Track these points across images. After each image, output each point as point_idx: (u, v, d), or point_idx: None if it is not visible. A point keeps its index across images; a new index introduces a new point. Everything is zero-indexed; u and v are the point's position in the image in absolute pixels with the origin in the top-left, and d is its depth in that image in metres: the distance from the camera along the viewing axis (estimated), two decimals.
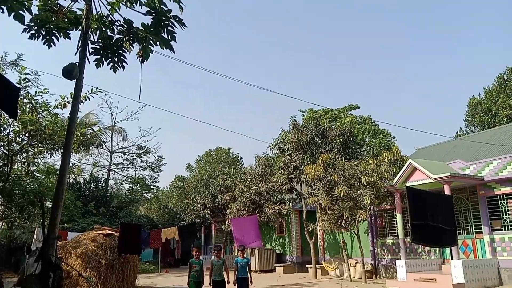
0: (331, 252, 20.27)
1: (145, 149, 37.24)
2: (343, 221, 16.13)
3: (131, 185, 38.63)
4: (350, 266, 17.07)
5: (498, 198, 13.74)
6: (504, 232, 13.44)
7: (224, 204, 23.85)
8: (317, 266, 18.49)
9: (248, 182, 22.23)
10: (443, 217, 7.08)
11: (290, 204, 21.25)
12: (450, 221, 7.22)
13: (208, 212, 25.20)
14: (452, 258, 13.01)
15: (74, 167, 15.62)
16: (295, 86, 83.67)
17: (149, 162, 38.40)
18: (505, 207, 13.54)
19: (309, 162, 18.25)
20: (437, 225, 6.93)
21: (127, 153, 37.67)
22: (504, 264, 13.24)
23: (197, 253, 9.94)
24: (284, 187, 19.57)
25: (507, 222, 13.45)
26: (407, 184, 11.99)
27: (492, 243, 13.66)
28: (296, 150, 19.04)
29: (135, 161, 38.10)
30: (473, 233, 14.44)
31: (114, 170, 38.01)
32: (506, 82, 27.86)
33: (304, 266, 20.69)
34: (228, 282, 9.61)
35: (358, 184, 15.62)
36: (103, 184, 34.15)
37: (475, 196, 14.42)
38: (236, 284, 9.82)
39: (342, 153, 18.89)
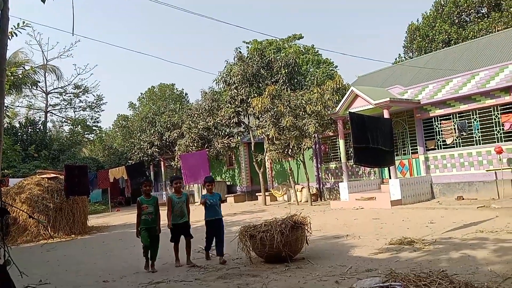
0: (279, 179, 21.10)
1: (82, 88, 35.46)
2: (290, 150, 16.68)
3: (72, 127, 37.10)
4: (297, 191, 17.95)
5: (433, 120, 14.67)
6: (437, 151, 14.54)
7: (172, 141, 23.69)
8: (266, 193, 19.27)
9: (195, 117, 22.05)
10: (383, 139, 7.50)
11: (239, 137, 21.50)
12: (389, 143, 7.66)
13: (156, 150, 24.98)
14: (390, 178, 14.02)
15: (7, 110, 14.63)
16: (238, 16, 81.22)
17: (89, 102, 36.83)
18: (438, 128, 14.53)
19: (255, 95, 18.29)
20: (378, 147, 7.35)
21: (64, 93, 35.77)
22: (436, 180, 14.48)
23: (147, 188, 7.05)
24: (232, 121, 19.64)
25: (440, 142, 14.52)
26: (350, 111, 12.43)
27: (426, 162, 14.79)
28: (242, 83, 18.92)
29: (73, 101, 36.38)
30: (409, 154, 15.51)
31: (51, 112, 36.17)
32: (443, 7, 28.58)
33: (254, 194, 21.49)
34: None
35: (303, 113, 15.99)
36: (41, 127, 32.50)
37: (412, 119, 15.30)
38: (207, 229, 7.15)
39: (287, 84, 19.05)
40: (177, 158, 20.95)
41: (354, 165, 16.99)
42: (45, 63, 33.40)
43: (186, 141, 21.19)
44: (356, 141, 7.24)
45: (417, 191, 14.05)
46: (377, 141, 7.33)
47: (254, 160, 18.72)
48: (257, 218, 12.79)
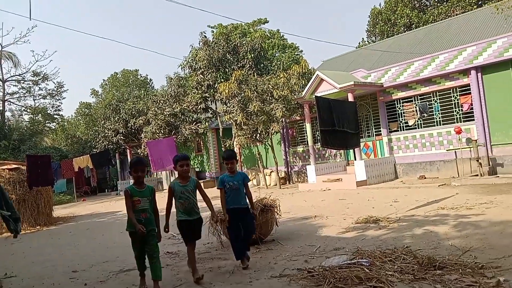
0: (247, 164, 21.20)
1: (42, 75, 34.10)
2: (258, 135, 16.76)
3: (32, 116, 35.75)
4: (266, 175, 18.12)
5: (395, 102, 15.07)
6: (399, 133, 14.98)
7: (137, 128, 23.27)
8: None
9: (161, 104, 21.71)
10: (348, 122, 7.67)
11: (206, 123, 21.38)
12: (354, 125, 7.85)
13: (121, 137, 24.48)
14: (355, 159, 14.36)
15: None
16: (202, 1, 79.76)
17: (49, 90, 35.51)
18: (401, 110, 14.94)
19: (222, 80, 18.18)
20: (343, 130, 7.52)
21: (22, 81, 34.29)
22: (399, 160, 14.95)
23: (138, 174, 4.71)
24: (199, 107, 19.48)
25: (402, 124, 14.95)
26: (315, 95, 12.60)
27: (389, 143, 15.23)
28: (208, 68, 18.74)
29: (32, 89, 34.96)
30: (373, 136, 15.90)
31: (9, 101, 34.65)
32: None
33: None
34: (215, 219, 5.54)
35: (271, 98, 16.05)
36: None
37: (376, 102, 15.65)
38: (229, 219, 5.29)
39: (254, 69, 19.02)
40: (144, 146, 20.64)
41: (321, 148, 17.30)
42: (0, 49, 31.86)
43: (152, 128, 20.87)
44: (323, 124, 7.37)
45: (381, 172, 14.48)
46: (342, 123, 7.49)
47: (222, 145, 18.70)
48: None
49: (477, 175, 11.90)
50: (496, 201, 8.09)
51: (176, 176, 5.13)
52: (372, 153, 15.97)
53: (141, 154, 22.53)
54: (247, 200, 5.45)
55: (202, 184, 18.70)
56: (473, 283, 3.74)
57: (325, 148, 14.50)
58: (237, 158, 5.44)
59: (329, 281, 4.11)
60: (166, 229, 4.84)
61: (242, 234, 5.25)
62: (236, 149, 20.56)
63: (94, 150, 26.15)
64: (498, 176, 11.34)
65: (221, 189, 5.36)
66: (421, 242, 5.60)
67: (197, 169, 24.00)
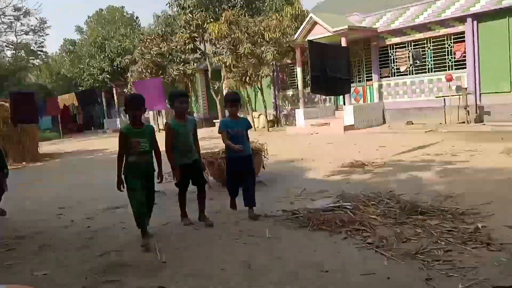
0: None
1: (23, 10, 32.56)
2: (248, 78, 16.49)
3: (14, 52, 34.55)
4: (254, 118, 18.06)
5: (389, 48, 14.81)
6: (391, 79, 14.87)
7: (124, 67, 22.69)
8: None
9: (147, 43, 21.02)
10: (340, 67, 7.52)
11: (195, 64, 20.89)
12: (346, 72, 7.71)
13: (107, 76, 23.94)
14: (344, 104, 14.32)
15: None
16: None
17: (31, 25, 34.08)
18: (393, 56, 14.73)
19: (212, 20, 17.54)
20: (335, 76, 7.38)
21: (3, 16, 32.76)
22: (388, 106, 14.96)
23: (134, 113, 4.13)
24: (187, 47, 18.94)
25: (394, 70, 14.80)
26: (308, 39, 12.29)
27: (379, 89, 15.15)
28: (197, 7, 18.02)
29: (13, 24, 33.49)
30: (364, 81, 15.77)
31: None
32: None
33: (211, 121, 21.38)
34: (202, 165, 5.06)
35: (262, 40, 15.62)
36: None
37: (369, 47, 15.36)
38: (228, 170, 4.90)
39: (245, 9, 18.34)
40: (130, 85, 20.24)
41: (310, 93, 17.17)
42: None
43: (139, 68, 20.36)
44: (314, 70, 7.21)
45: (370, 117, 14.51)
46: (334, 69, 7.34)
47: (211, 88, 18.43)
48: (215, 145, 12.87)
49: (463, 123, 12.01)
50: (480, 148, 8.20)
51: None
52: (361, 98, 15.92)
53: (128, 93, 22.17)
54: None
55: None
56: (453, 228, 3.84)
57: (315, 94, 14.30)
58: (240, 102, 4.84)
59: (313, 223, 4.18)
60: (175, 170, 4.39)
61: (247, 182, 4.76)
62: (225, 92, 20.30)
63: (80, 88, 25.63)
64: (485, 124, 11.46)
65: (223, 132, 4.65)
66: (405, 187, 5.69)
67: None
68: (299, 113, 15.51)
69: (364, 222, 4.14)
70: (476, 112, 12.29)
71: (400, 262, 3.23)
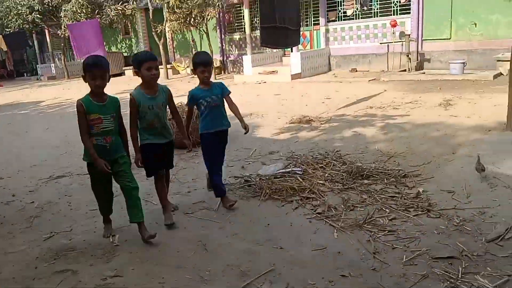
0: (180, 51, 20.27)
1: None
2: (192, 19, 15.77)
3: None
4: None
5: None
6: (337, 23, 14.81)
7: (56, 5, 20.77)
8: (168, 66, 18.57)
9: None
10: (290, 18, 7.34)
11: (134, 3, 19.54)
12: (295, 22, 7.55)
13: (38, 16, 21.83)
14: (292, 51, 14.19)
15: None
16: None
17: None
18: None
19: None
20: (284, 27, 7.22)
21: None
22: (334, 52, 15.03)
23: (95, 83, 3.26)
24: None
25: (341, 13, 14.71)
26: None
27: (326, 34, 15.09)
28: None
29: None
30: (311, 25, 15.60)
31: None
32: None
33: None
34: (189, 148, 3.97)
35: None
36: None
37: None
38: (204, 147, 4.07)
39: None
40: (64, 27, 18.71)
41: (258, 37, 16.78)
42: None
43: (73, 7, 18.75)
44: (264, 21, 6.99)
45: (316, 64, 14.56)
46: (284, 19, 7.16)
47: (153, 30, 17.46)
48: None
49: (405, 70, 12.39)
50: (420, 100, 8.56)
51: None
52: (308, 43, 15.82)
53: (62, 35, 20.55)
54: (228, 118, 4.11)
55: (132, 71, 16.10)
56: (396, 194, 4.07)
57: (265, 47, 13.90)
58: (212, 64, 3.97)
59: (266, 192, 4.26)
60: (139, 162, 3.58)
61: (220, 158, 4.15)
62: (168, 36, 19.35)
63: (7, 30, 23.33)
64: (424, 73, 11.88)
65: (189, 109, 3.96)
66: (350, 146, 5.90)
67: (125, 54, 22.59)
68: (247, 60, 15.22)
69: (313, 189, 4.28)
70: (417, 59, 12.68)
71: (349, 233, 3.40)
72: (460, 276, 2.69)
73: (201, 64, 3.79)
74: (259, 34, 15.60)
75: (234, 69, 18.11)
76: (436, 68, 12.39)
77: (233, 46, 18.14)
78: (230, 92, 4.07)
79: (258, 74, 14.46)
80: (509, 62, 7.60)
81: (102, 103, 3.32)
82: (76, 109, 3.30)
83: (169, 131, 3.78)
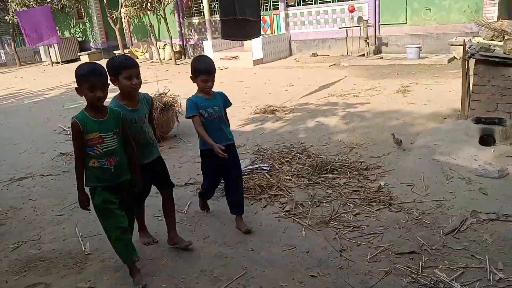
0: (138, 35, 19.74)
1: None
2: (149, 4, 15.35)
3: None
4: (159, 48, 17.17)
5: None
6: (296, 8, 14.84)
7: None
8: (125, 51, 18.08)
9: None
10: (250, 9, 7.30)
11: None
12: (256, 13, 7.53)
13: None
14: None
15: None
16: None
17: None
18: None
19: None
20: (245, 18, 7.19)
21: None
22: (294, 37, 15.11)
23: (94, 95, 2.67)
24: None
25: None
26: None
27: (286, 19, 15.11)
28: None
29: None
30: (271, 10, 15.55)
31: None
32: None
33: (111, 52, 19.90)
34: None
35: None
36: None
37: None
38: (205, 164, 3.69)
39: None
40: (12, 12, 17.72)
41: (217, 21, 16.56)
42: None
43: None
44: (224, 14, 6.93)
45: (277, 49, 14.61)
46: (244, 11, 7.13)
47: (108, 15, 16.86)
48: None
49: (364, 55, 12.66)
50: (379, 86, 8.82)
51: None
52: (269, 28, 15.80)
53: (10, 21, 19.44)
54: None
55: (87, 57, 15.86)
56: (359, 187, 4.25)
57: (227, 40, 13.72)
58: (215, 72, 3.44)
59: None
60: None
61: (233, 179, 3.63)
62: (124, 22, 18.74)
63: None
64: (382, 57, 12.20)
65: (194, 117, 3.35)
66: (313, 137, 6.04)
67: (79, 39, 21.71)
68: (207, 45, 15.05)
69: (280, 186, 4.39)
70: (375, 44, 12.98)
71: (316, 231, 3.54)
72: (420, 271, 2.89)
73: (205, 72, 3.33)
74: (218, 18, 15.55)
75: (195, 54, 17.85)
76: (393, 52, 12.74)
77: (192, 30, 17.85)
78: (231, 105, 3.69)
79: (219, 59, 14.34)
80: (461, 47, 7.97)
81: (102, 119, 2.74)
82: (70, 129, 2.76)
83: (156, 147, 3.27)
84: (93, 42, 21.15)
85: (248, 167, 4.91)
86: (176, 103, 6.45)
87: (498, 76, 5.55)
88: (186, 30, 17.98)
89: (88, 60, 19.49)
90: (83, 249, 3.51)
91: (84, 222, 3.78)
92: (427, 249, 3.15)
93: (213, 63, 3.47)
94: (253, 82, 10.84)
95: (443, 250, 3.12)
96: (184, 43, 18.14)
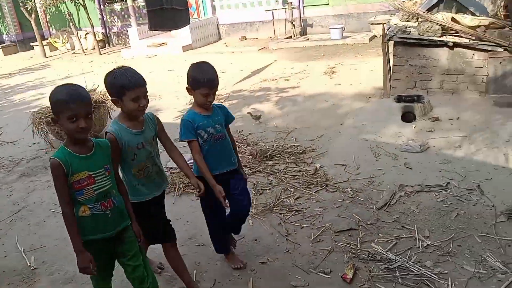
0: (56, 25, 18.56)
1: None
2: None
3: None
4: (81, 38, 16.29)
5: None
6: None
7: None
8: (44, 43, 16.95)
9: None
10: None
11: None
12: (183, 1, 7.43)
13: None
14: None
15: None
16: None
17: None
18: None
19: None
20: (172, 7, 7.08)
21: None
22: (222, 20, 15.05)
23: (78, 127, 2.11)
24: None
25: None
26: None
27: (212, 2, 14.98)
28: None
29: None
30: None
31: None
32: None
33: (28, 44, 18.53)
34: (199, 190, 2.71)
35: None
36: None
37: None
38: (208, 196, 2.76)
39: None
40: None
41: (141, 7, 16.01)
42: None
43: None
44: (149, 4, 6.78)
45: (206, 34, 14.50)
46: (171, 1, 7.01)
47: (21, 5, 15.65)
48: (42, 80, 11.50)
49: (291, 37, 12.96)
50: (308, 69, 9.14)
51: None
52: (195, 12, 15.56)
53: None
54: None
55: (1, 50, 14.68)
56: (297, 172, 4.48)
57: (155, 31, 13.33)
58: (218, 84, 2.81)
59: (179, 187, 4.39)
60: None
61: (234, 216, 3.03)
62: (40, 12, 17.48)
63: None
64: (308, 39, 12.57)
65: (193, 142, 2.78)
66: (250, 124, 6.20)
67: None
68: (132, 32, 14.53)
69: None
70: (301, 25, 13.31)
71: (262, 218, 3.73)
72: (359, 246, 3.18)
73: (207, 85, 2.67)
74: (142, 4, 15.04)
75: (120, 42, 17.18)
76: (318, 33, 13.16)
77: (115, 17, 17.11)
78: (234, 119, 3.10)
79: (147, 47, 13.97)
80: (381, 25, 8.45)
81: (88, 154, 2.21)
82: (50, 171, 2.16)
83: (164, 174, 2.77)
84: (6, 34, 19.51)
85: (190, 161, 4.95)
86: (107, 99, 6.26)
87: (415, 56, 6.03)
88: (108, 17, 17.19)
89: (3, 55, 18.02)
90: (29, 264, 3.41)
91: (24, 235, 3.66)
92: (363, 224, 3.45)
93: (216, 72, 2.75)
94: (185, 69, 10.59)
95: (377, 224, 3.44)
96: (107, 31, 17.36)
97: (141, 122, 2.55)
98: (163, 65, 11.61)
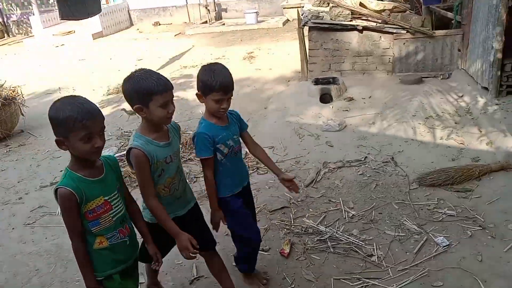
0: None
1: None
2: None
3: None
4: None
5: None
6: None
7: None
8: None
9: None
10: None
11: None
12: None
13: None
14: None
15: None
16: None
17: None
18: None
19: None
20: None
21: None
22: (133, 6, 14.51)
23: (92, 149, 1.80)
24: None
25: None
26: None
27: None
28: None
29: None
30: None
31: None
32: None
33: None
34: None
35: None
36: None
37: None
38: (230, 218, 2.55)
39: None
40: None
41: (62, 20, 14.85)
42: None
43: None
44: None
45: (116, 20, 13.90)
46: None
47: None
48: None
49: (206, 22, 12.90)
50: (227, 54, 9.23)
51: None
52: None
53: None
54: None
55: None
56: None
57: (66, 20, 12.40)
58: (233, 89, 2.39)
59: None
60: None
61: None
62: None
63: None
64: (224, 23, 12.61)
65: (208, 160, 2.36)
66: (176, 113, 6.09)
67: None
68: (35, 21, 13.43)
69: None
70: (215, 10, 13.28)
71: (200, 204, 3.80)
72: (292, 222, 3.41)
73: (221, 89, 2.26)
74: (60, 19, 13.98)
75: (21, 31, 15.80)
76: (233, 18, 13.25)
77: (13, 4, 15.64)
78: (247, 126, 2.72)
79: (52, 36, 13.05)
80: (293, 9, 8.79)
81: (100, 176, 1.90)
82: (61, 203, 1.81)
83: (190, 189, 2.48)
84: None
85: (117, 154, 4.85)
86: (18, 95, 5.85)
87: (328, 40, 6.39)
88: (4, 4, 15.67)
89: None
90: None
91: None
92: (294, 202, 3.68)
93: (231, 74, 2.33)
94: (97, 59, 10.24)
95: (307, 200, 3.70)
96: (5, 19, 15.84)
97: (165, 132, 2.21)
98: (73, 55, 10.98)
